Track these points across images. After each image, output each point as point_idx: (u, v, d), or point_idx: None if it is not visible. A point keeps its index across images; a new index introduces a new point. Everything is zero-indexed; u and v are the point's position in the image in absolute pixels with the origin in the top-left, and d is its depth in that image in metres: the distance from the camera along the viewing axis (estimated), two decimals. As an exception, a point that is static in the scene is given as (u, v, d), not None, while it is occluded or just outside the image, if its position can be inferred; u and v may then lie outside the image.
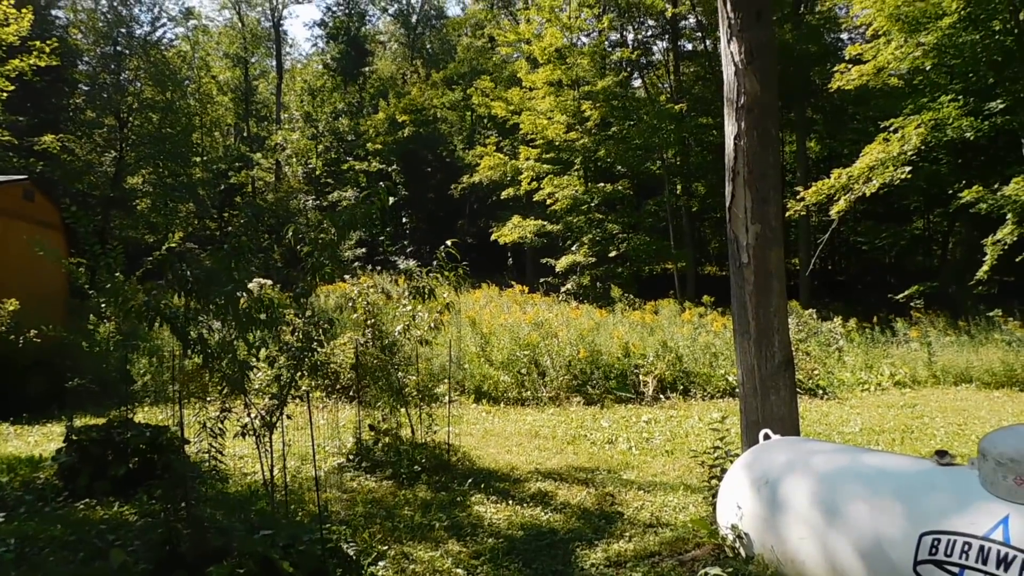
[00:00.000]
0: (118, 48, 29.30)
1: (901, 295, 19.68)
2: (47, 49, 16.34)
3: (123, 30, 29.44)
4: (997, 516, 2.95)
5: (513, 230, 24.74)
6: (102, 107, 27.69)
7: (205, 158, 33.61)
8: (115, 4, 29.76)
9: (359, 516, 5.56)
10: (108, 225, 26.43)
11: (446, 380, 9.59)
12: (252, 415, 4.96)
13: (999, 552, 2.85)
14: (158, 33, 32.33)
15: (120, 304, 4.68)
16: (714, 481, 5.24)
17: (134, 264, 6.25)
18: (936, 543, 3.09)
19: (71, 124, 26.97)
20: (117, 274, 4.79)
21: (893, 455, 4.27)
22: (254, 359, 5.08)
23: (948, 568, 3.01)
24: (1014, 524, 2.87)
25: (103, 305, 5.54)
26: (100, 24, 28.90)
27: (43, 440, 8.64)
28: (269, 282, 6.71)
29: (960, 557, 2.97)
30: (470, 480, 6.65)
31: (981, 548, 2.92)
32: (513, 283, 20.05)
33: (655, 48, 31.83)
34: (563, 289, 22.61)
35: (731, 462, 4.86)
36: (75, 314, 11.97)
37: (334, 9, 41.69)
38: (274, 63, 42.99)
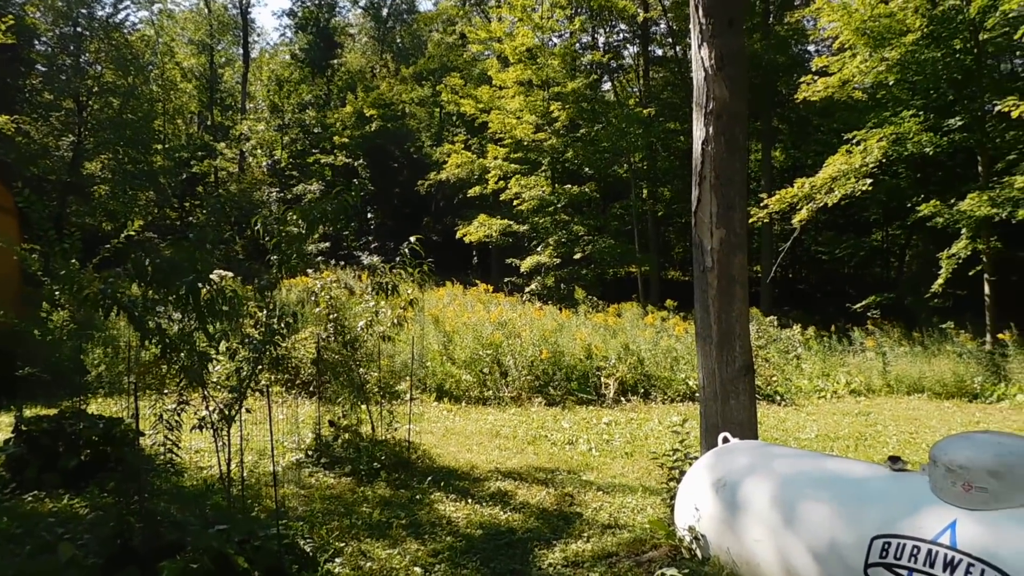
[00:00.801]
0: (78, 29, 28.56)
1: (859, 305, 20.13)
2: (2, 27, 15.85)
3: (84, 11, 28.69)
4: (945, 521, 3.02)
5: (479, 229, 24.71)
6: (60, 89, 26.96)
7: (167, 146, 32.94)
8: (76, -18, 29.03)
9: (317, 512, 5.50)
10: (64, 211, 25.75)
11: (408, 377, 9.55)
12: (210, 408, 4.88)
13: (946, 556, 2.93)
14: (120, 15, 31.54)
15: (75, 292, 4.57)
16: (673, 483, 5.30)
17: (91, 252, 6.12)
18: (887, 546, 3.16)
19: (27, 106, 26.21)
20: (73, 261, 4.69)
21: (848, 460, 4.35)
22: (214, 351, 5.01)
23: (897, 571, 3.08)
24: (961, 529, 2.95)
25: (57, 293, 5.41)
26: (59, 3, 28.16)
27: (-10, 429, 8.41)
28: (230, 274, 6.61)
29: (909, 560, 3.04)
30: (430, 478, 6.63)
31: (929, 552, 2.99)
32: (477, 282, 20.04)
33: (625, 52, 32.05)
34: (527, 289, 22.66)
35: (690, 465, 4.92)
36: (27, 302, 11.67)
37: None
38: (241, 51, 42.33)
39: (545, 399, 11.10)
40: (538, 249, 24.06)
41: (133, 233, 6.05)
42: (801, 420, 10.38)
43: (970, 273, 15.49)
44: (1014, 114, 12.09)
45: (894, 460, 3.62)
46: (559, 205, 24.04)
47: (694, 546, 4.37)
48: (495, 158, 25.21)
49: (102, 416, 6.52)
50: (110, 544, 4.21)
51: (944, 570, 2.91)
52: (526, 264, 23.59)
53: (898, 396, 12.76)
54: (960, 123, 15.89)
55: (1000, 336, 13.93)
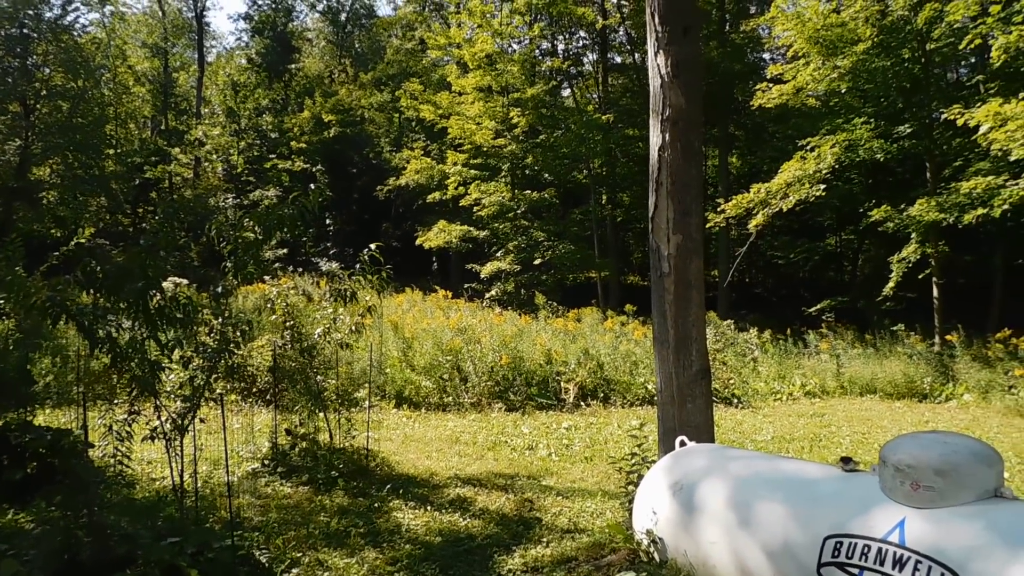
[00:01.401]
0: (25, 31, 27.83)
1: (813, 308, 20.51)
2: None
3: (30, 11, 27.97)
4: (894, 519, 3.09)
5: (438, 235, 24.64)
6: (6, 92, 26.23)
7: (119, 151, 32.19)
8: (22, -16, 28.31)
9: (273, 522, 5.42)
10: (11, 217, 25.04)
11: (366, 384, 9.45)
12: (163, 418, 4.78)
13: (895, 554, 2.99)
14: (70, 17, 30.83)
15: (22, 300, 4.44)
16: (631, 487, 5.33)
17: (39, 258, 5.96)
18: (839, 546, 3.22)
19: (-29, 109, 25.49)
20: (17, 268, 4.55)
21: (801, 462, 4.43)
22: (167, 360, 4.91)
23: (849, 570, 3.14)
24: (910, 527, 3.02)
25: (2, 301, 5.25)
26: (3, 4, 27.41)
27: (-68, 443, 8.11)
28: (185, 281, 6.48)
29: (860, 559, 3.10)
30: (388, 486, 6.58)
31: (879, 550, 3.05)
32: (437, 288, 19.97)
33: (585, 59, 32.32)
34: (487, 295, 22.63)
35: (648, 468, 4.95)
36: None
37: (260, 3, 40.78)
38: (196, 55, 41.68)
39: (505, 404, 11.09)
40: (498, 255, 24.06)
41: (84, 240, 5.91)
42: (758, 422, 10.54)
43: (919, 276, 15.90)
44: (959, 122, 12.43)
45: (846, 461, 3.69)
46: (519, 211, 24.08)
47: (652, 549, 4.40)
48: (455, 164, 25.18)
49: (49, 428, 6.31)
50: (57, 559, 4.08)
51: (894, 567, 2.98)
52: (486, 270, 23.57)
53: (851, 397, 13.02)
54: (909, 130, 16.31)
55: (948, 337, 14.31)
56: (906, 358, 13.70)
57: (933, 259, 15.58)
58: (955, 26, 14.05)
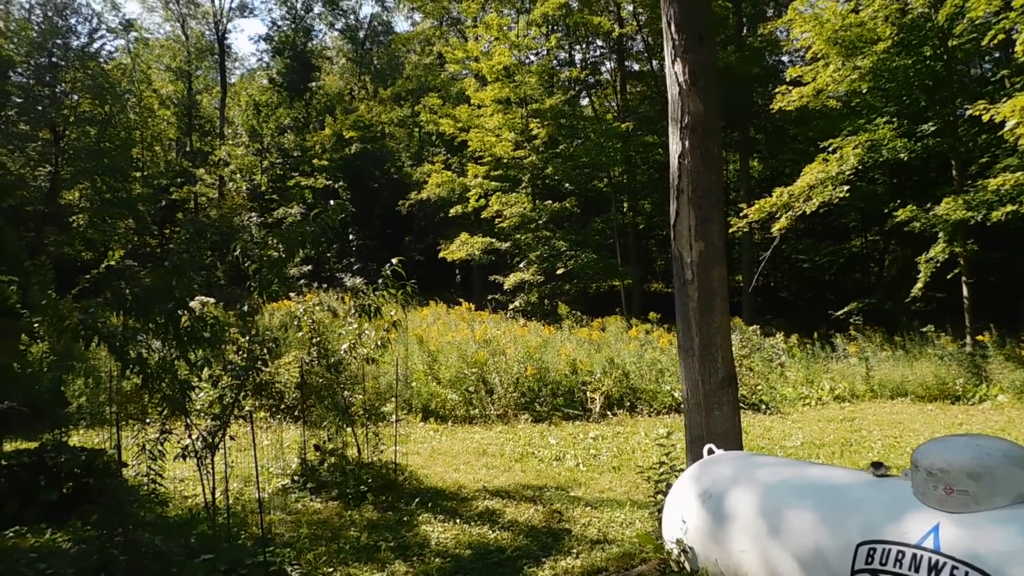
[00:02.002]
0: (53, 59, 28.47)
1: (840, 312, 20.24)
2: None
3: (59, 41, 28.62)
4: (928, 525, 3.05)
5: (461, 247, 24.71)
6: (36, 120, 26.84)
7: (145, 173, 32.78)
8: (50, 14, 28.98)
9: (304, 538, 5.46)
10: (42, 242, 25.56)
11: (393, 399, 9.50)
12: (193, 436, 4.84)
13: (930, 559, 2.95)
14: (96, 45, 31.52)
15: (54, 323, 4.54)
16: (660, 496, 5.30)
17: (70, 282, 6.08)
18: (872, 552, 3.18)
19: (2, 137, 26.06)
20: (50, 292, 4.65)
21: (831, 467, 4.38)
22: (196, 379, 4.98)
23: (883, 577, 3.10)
24: (944, 532, 2.98)
25: (36, 324, 5.36)
26: (34, 34, 28.07)
27: (-30, 465, 8.27)
28: (211, 300, 6.59)
29: (894, 565, 3.06)
30: (417, 500, 6.59)
31: (914, 556, 3.01)
32: (461, 301, 20.02)
33: (602, 68, 32.33)
34: (511, 306, 22.66)
35: (676, 477, 4.93)
36: (4, 334, 11.51)
37: (280, 24, 41.35)
38: (218, 77, 42.31)
39: (531, 416, 11.08)
40: (521, 266, 24.09)
41: (113, 262, 6.02)
42: (787, 428, 10.43)
43: (948, 276, 15.66)
44: (985, 118, 12.28)
45: (876, 466, 3.65)
46: (540, 221, 24.09)
47: (682, 559, 4.37)
48: (475, 176, 25.28)
49: (84, 448, 6.45)
50: (93, 578, 4.15)
51: (929, 573, 2.93)
52: (509, 281, 23.60)
53: (882, 400, 12.85)
54: (933, 128, 16.12)
55: (980, 338, 14.06)
56: (937, 359, 13.48)
57: (962, 258, 15.35)
58: (977, 22, 13.89)
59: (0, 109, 26.39)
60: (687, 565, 4.34)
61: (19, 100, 27.44)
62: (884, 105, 17.58)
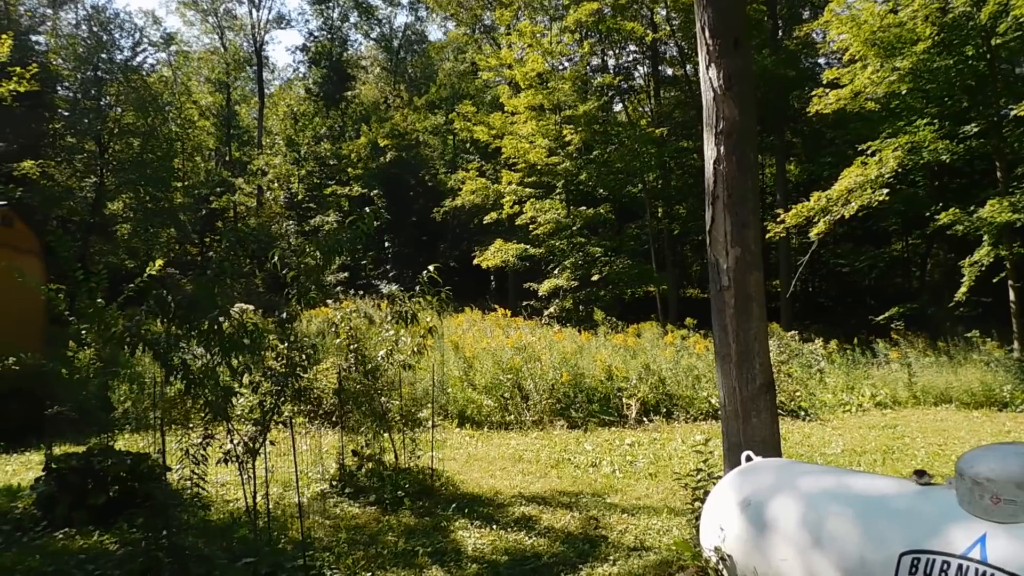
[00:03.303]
0: (99, 73, 29.26)
1: (881, 317, 19.88)
2: (27, 75, 16.24)
3: (103, 55, 29.41)
4: (975, 535, 2.98)
5: (495, 254, 24.77)
6: (82, 132, 27.58)
7: (186, 183, 33.52)
8: (95, 29, 29.79)
9: (342, 542, 5.52)
10: (88, 251, 26.22)
11: (429, 404, 9.55)
12: (235, 441, 4.93)
13: (977, 570, 2.89)
14: (139, 58, 32.36)
15: (101, 330, 4.65)
16: (697, 503, 5.26)
17: (114, 290, 6.23)
18: (916, 562, 3.12)
19: (51, 150, 26.82)
20: (99, 300, 4.77)
21: (874, 476, 4.31)
22: (237, 385, 5.06)
23: (928, 587, 3.04)
24: (991, 542, 2.91)
25: (83, 331, 5.50)
26: (80, 49, 28.86)
27: (21, 469, 8.52)
28: (251, 307, 6.69)
29: (939, 576, 3.00)
30: (454, 505, 6.63)
31: (960, 567, 2.95)
32: (496, 307, 20.06)
33: (636, 73, 32.22)
34: (546, 313, 22.64)
35: (714, 484, 4.89)
36: (53, 341, 11.84)
37: (316, 35, 41.95)
38: (256, 87, 43.06)
39: (567, 422, 11.06)
40: (555, 272, 24.07)
41: (156, 271, 6.16)
42: (826, 435, 10.27)
43: (994, 280, 15.30)
44: (1030, 118, 12.04)
45: (920, 474, 3.58)
46: (575, 227, 24.07)
47: (721, 567, 4.33)
48: (509, 183, 25.34)
49: (129, 452, 6.60)
50: (139, 580, 4.25)
51: (976, 584, 2.87)
52: (544, 287, 23.60)
53: (925, 407, 12.58)
54: (976, 129, 15.79)
55: (1028, 343, 13.73)
56: (983, 365, 13.16)
57: (1008, 261, 14.99)
58: (1022, 19, 13.59)
59: (48, 122, 27.15)
60: (725, 573, 4.30)
61: (66, 113, 28.24)
62: (924, 106, 17.27)
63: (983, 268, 14.81)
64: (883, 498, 3.57)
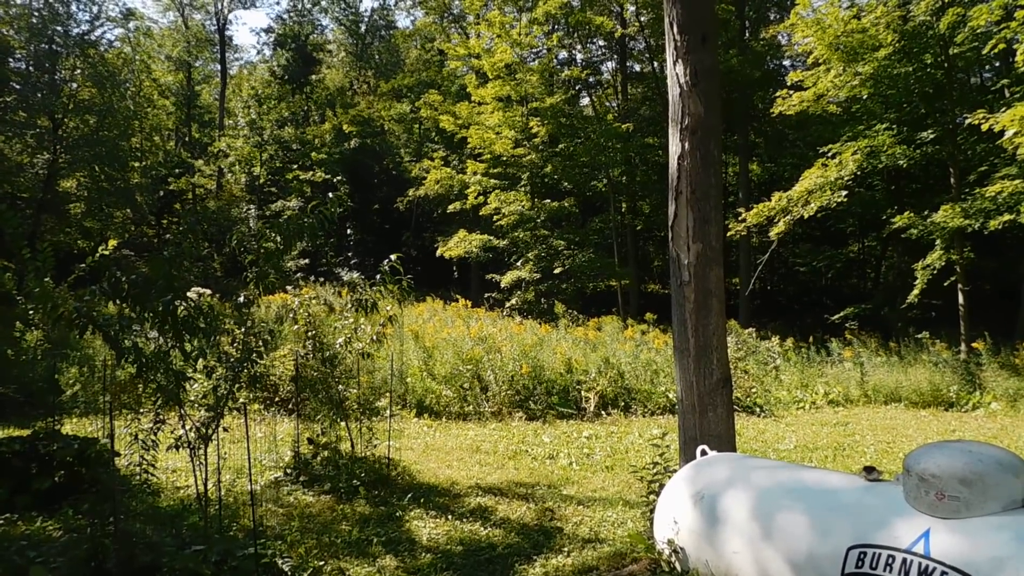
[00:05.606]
0: (53, 47, 28.37)
1: (836, 316, 20.32)
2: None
3: (59, 28, 28.52)
4: (919, 530, 3.06)
5: (458, 244, 24.69)
6: (35, 107, 26.75)
7: (144, 163, 32.69)
8: (50, 1, 28.87)
9: (295, 531, 5.45)
10: (39, 229, 25.49)
11: (387, 394, 9.49)
12: (187, 427, 4.83)
13: (920, 564, 2.96)
14: (97, 33, 31.42)
15: (49, 311, 4.51)
16: (652, 496, 5.31)
17: (66, 270, 6.05)
18: (863, 556, 3.18)
19: (1, 124, 25.98)
20: (47, 279, 4.63)
21: (824, 471, 4.39)
22: (191, 369, 4.97)
23: (874, 581, 3.10)
24: (935, 537, 2.99)
25: (31, 312, 5.34)
26: (34, 20, 27.95)
27: (-38, 452, 8.26)
28: (208, 291, 6.57)
29: (884, 570, 3.07)
30: (410, 495, 6.59)
31: (904, 560, 3.02)
32: (457, 297, 20.02)
33: (603, 68, 32.34)
34: (507, 304, 22.65)
35: (669, 478, 4.93)
36: None
37: (284, 17, 41.30)
38: (218, 68, 42.21)
39: (526, 414, 11.08)
40: (518, 264, 24.09)
41: (108, 252, 5.99)
42: (780, 431, 10.45)
43: (944, 283, 15.70)
44: (984, 127, 12.31)
45: (869, 470, 3.66)
46: (539, 220, 24.09)
47: (673, 559, 4.38)
48: (474, 173, 25.26)
49: (77, 437, 6.43)
50: (84, 567, 4.15)
51: (919, 578, 2.94)
52: (506, 279, 23.60)
53: (876, 406, 12.87)
54: (932, 136, 16.17)
55: (974, 345, 14.10)
56: (932, 366, 13.51)
57: (958, 265, 15.39)
58: (978, 31, 13.93)
59: (-1, 95, 26.29)
60: (678, 565, 4.35)
61: (17, 87, 27.34)
62: (884, 111, 17.62)
63: (935, 271, 15.19)
64: (832, 493, 3.64)
